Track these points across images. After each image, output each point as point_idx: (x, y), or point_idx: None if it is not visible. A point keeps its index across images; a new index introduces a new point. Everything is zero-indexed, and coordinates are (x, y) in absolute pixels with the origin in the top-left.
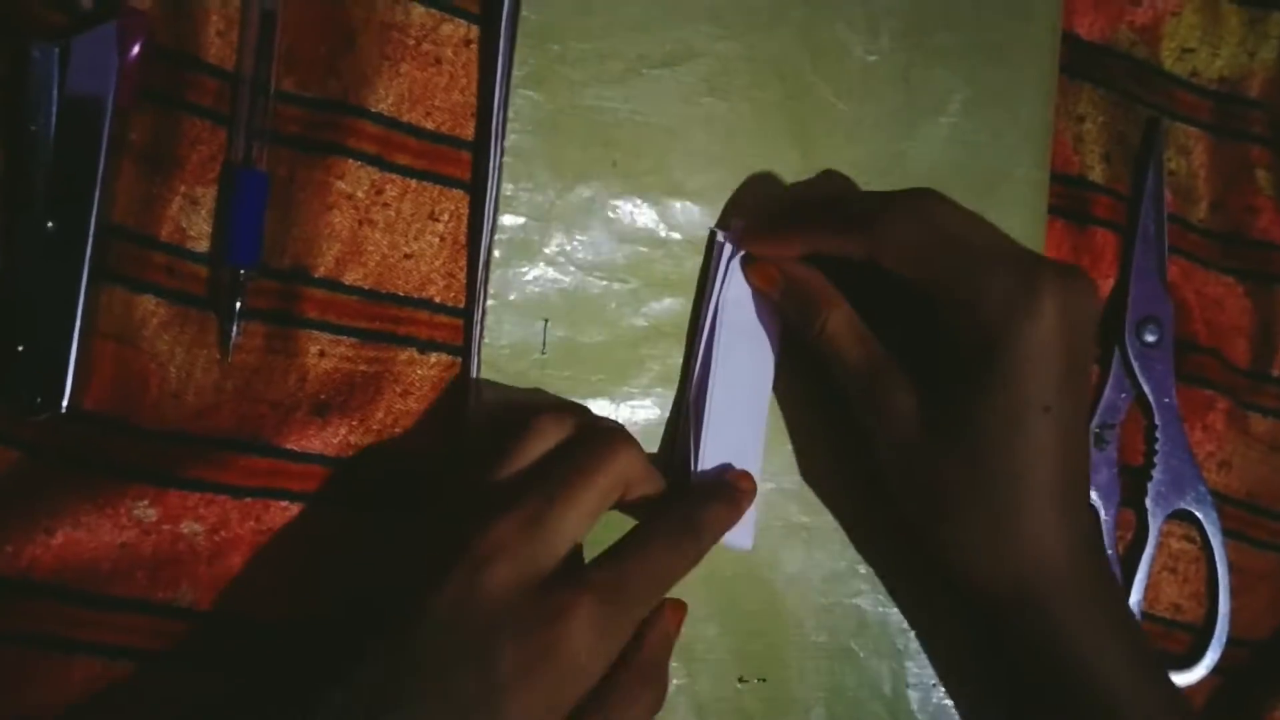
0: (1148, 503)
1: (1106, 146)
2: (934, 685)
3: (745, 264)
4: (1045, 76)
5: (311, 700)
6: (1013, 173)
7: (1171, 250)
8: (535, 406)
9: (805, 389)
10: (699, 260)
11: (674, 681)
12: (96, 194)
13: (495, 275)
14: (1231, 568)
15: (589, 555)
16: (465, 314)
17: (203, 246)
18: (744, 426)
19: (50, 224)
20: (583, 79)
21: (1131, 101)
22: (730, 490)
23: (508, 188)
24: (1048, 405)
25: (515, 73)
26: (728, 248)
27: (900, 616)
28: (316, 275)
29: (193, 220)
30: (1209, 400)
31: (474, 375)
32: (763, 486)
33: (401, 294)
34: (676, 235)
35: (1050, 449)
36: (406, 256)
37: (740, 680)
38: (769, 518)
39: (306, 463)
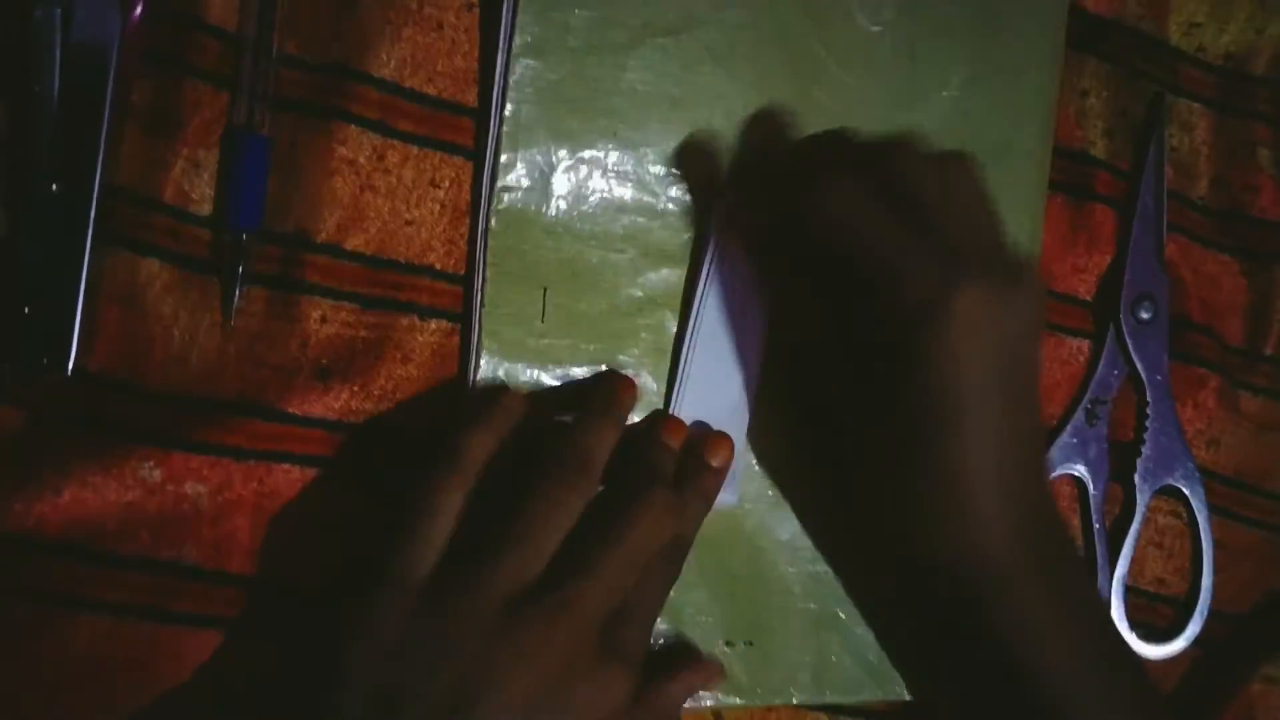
0: (1136, 478)
1: (1109, 122)
2: None
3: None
4: (1051, 51)
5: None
6: (1015, 146)
7: (1170, 228)
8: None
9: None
10: (696, 232)
11: (661, 642)
12: (100, 156)
13: (495, 244)
14: (1216, 544)
15: None
16: (465, 281)
17: (205, 210)
18: (726, 391)
19: (54, 186)
20: (584, 47)
21: (1136, 76)
22: (707, 485)
23: (507, 156)
24: (964, 409)
25: (516, 41)
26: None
27: None
28: (318, 241)
29: (195, 184)
30: (1201, 378)
31: (474, 343)
32: (753, 455)
33: (402, 260)
34: (674, 207)
35: (973, 448)
36: (407, 223)
37: (728, 643)
38: (761, 486)
39: (308, 427)
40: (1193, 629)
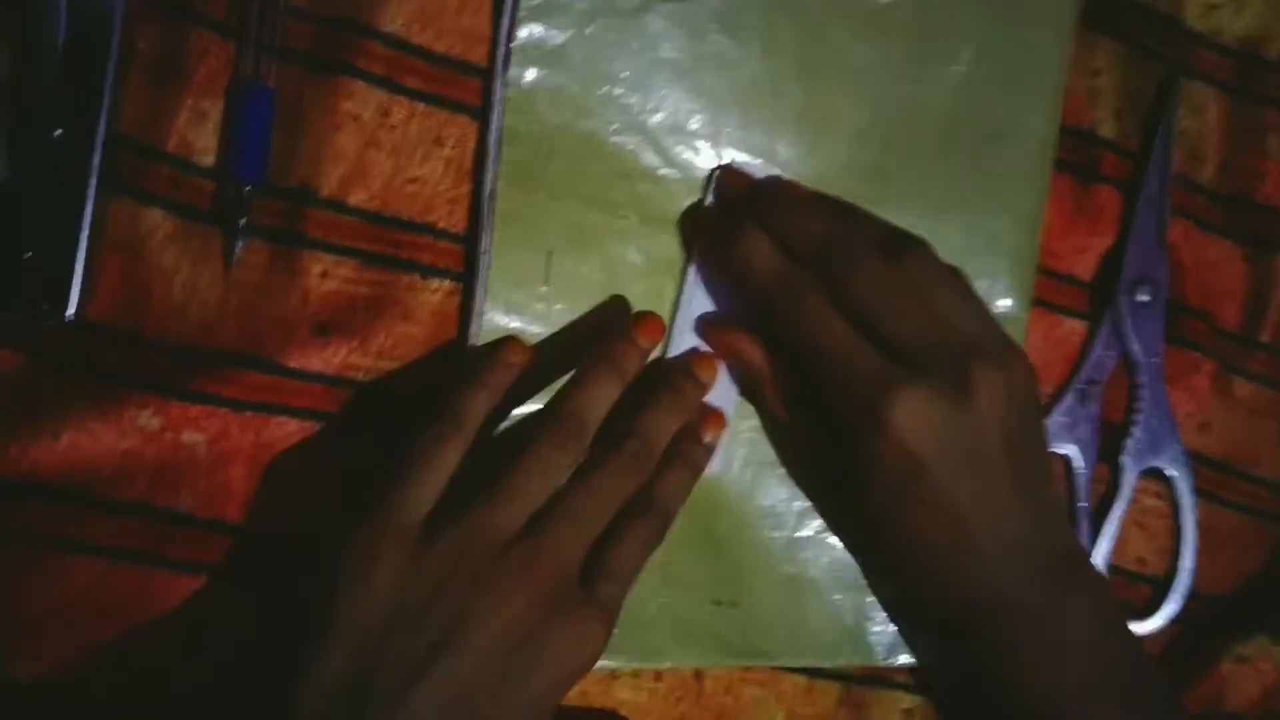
0: (1124, 459)
1: (1120, 103)
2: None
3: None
4: (1063, 28)
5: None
6: (1023, 123)
7: (1174, 211)
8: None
9: None
10: (698, 199)
11: (657, 600)
12: (105, 103)
13: (500, 206)
14: (1200, 526)
15: None
16: (468, 241)
17: (208, 161)
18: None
19: (58, 132)
20: (590, 11)
21: (1149, 57)
22: (696, 457)
23: (511, 119)
24: (922, 499)
25: (522, 3)
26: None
27: None
28: (321, 195)
29: (199, 134)
30: (1195, 363)
31: (478, 305)
32: (744, 424)
33: (405, 218)
34: (677, 174)
35: (946, 522)
36: (411, 181)
37: (715, 602)
38: (748, 454)
39: (306, 381)
40: (1170, 608)
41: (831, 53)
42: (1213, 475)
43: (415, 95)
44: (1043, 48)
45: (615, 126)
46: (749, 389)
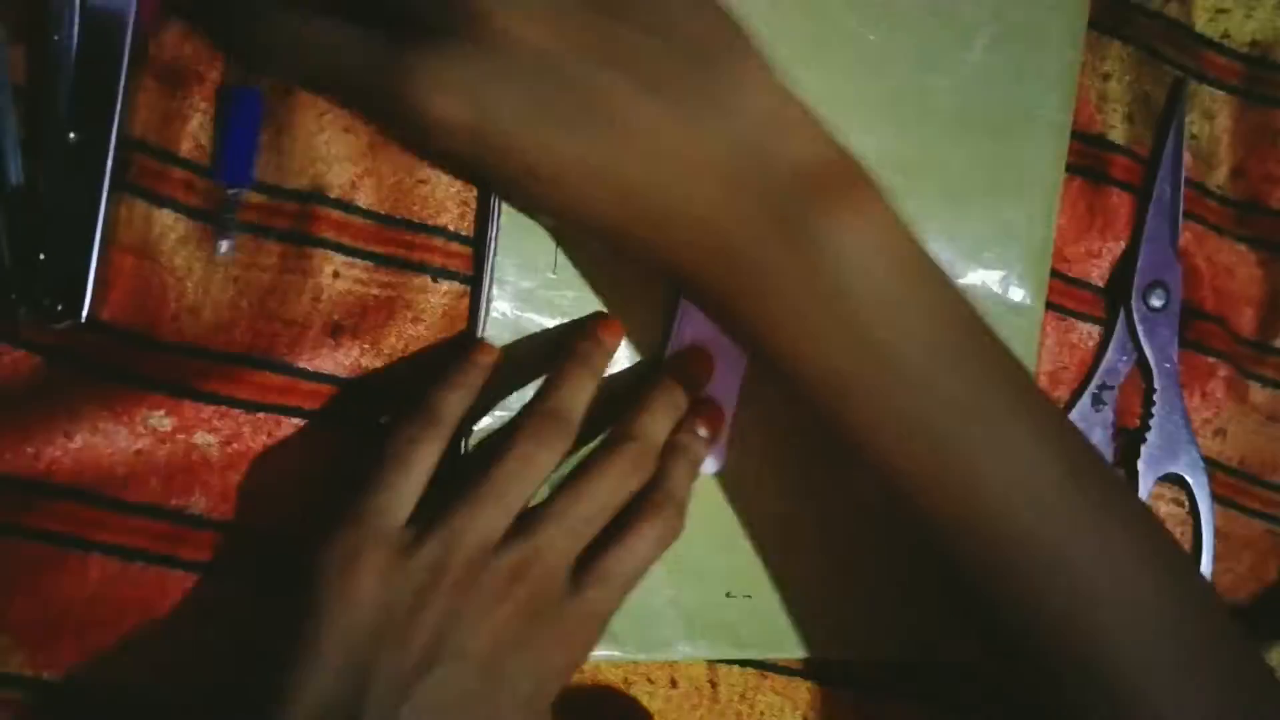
0: (1140, 464)
1: (1130, 106)
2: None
3: None
4: (1074, 18)
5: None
6: (1036, 114)
7: (1186, 216)
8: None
9: None
10: None
11: (666, 593)
12: (118, 107)
13: None
14: (1218, 533)
15: None
16: (477, 243)
17: None
18: (721, 346)
19: (72, 135)
20: None
21: (1159, 61)
22: (694, 450)
23: None
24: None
25: None
26: None
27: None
28: (332, 196)
29: (211, 138)
30: (1211, 367)
31: (485, 293)
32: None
33: (415, 220)
34: None
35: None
36: (421, 182)
37: (728, 595)
38: (763, 446)
39: (318, 382)
40: None
41: (845, 40)
42: (1230, 481)
43: None
44: (1055, 36)
45: None
46: None
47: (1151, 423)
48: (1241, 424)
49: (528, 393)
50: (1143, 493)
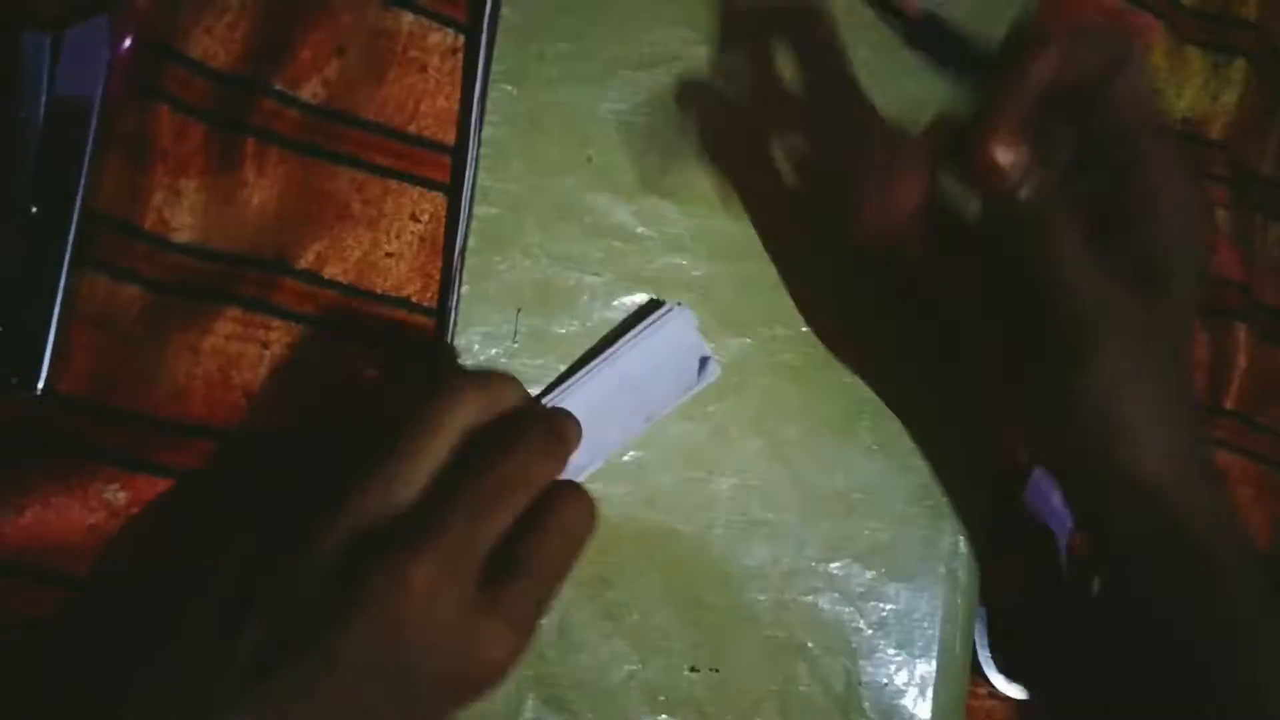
0: None
1: None
2: (885, 685)
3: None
4: None
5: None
6: None
7: None
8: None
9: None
10: (671, 257)
11: (625, 667)
12: (82, 182)
13: (471, 263)
14: None
15: None
16: (439, 313)
17: (183, 237)
18: (599, 430)
19: (35, 209)
20: (560, 77)
21: None
22: None
23: (485, 179)
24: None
25: (494, 68)
26: (682, 314)
27: (855, 615)
28: (298, 267)
29: (175, 211)
30: None
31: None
32: (725, 482)
33: (379, 291)
34: (650, 231)
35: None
36: (388, 255)
37: (692, 669)
38: (730, 512)
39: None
40: None
41: (795, 119)
42: None
43: (389, 173)
44: None
45: (588, 185)
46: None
47: None
48: None
49: None
50: None
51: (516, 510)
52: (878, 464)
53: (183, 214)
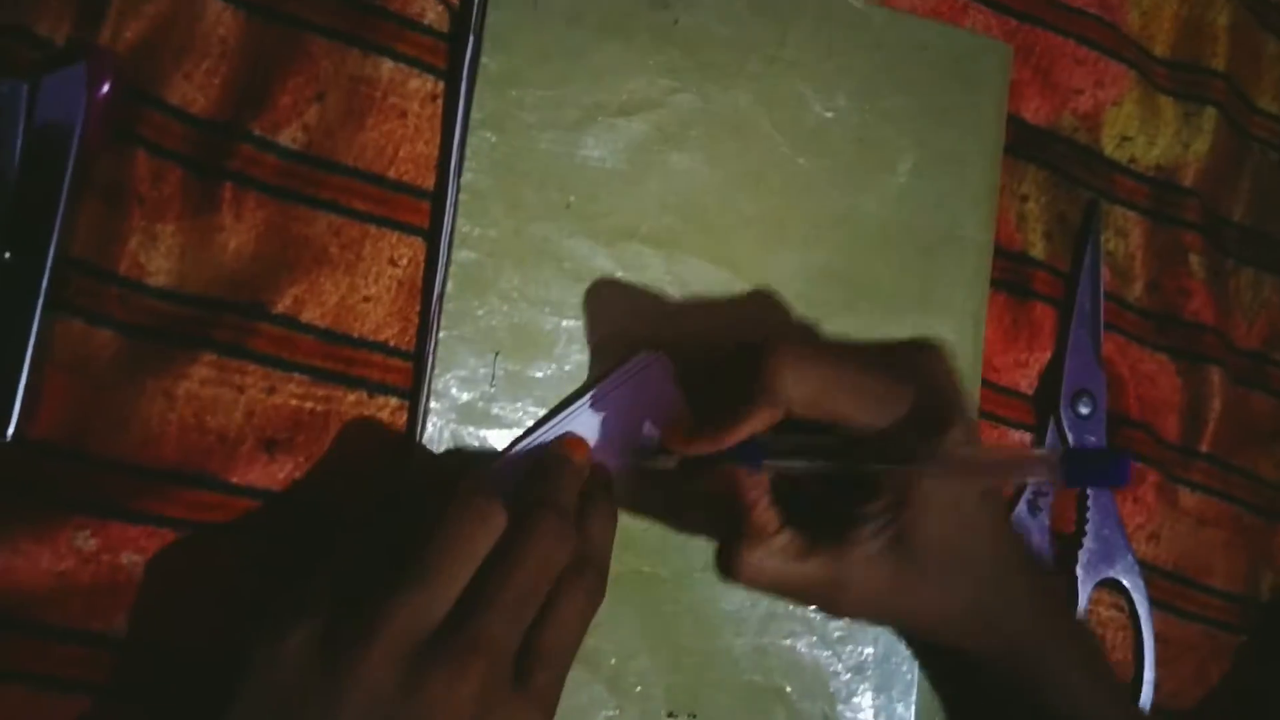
0: (1078, 570)
1: (1048, 225)
2: None
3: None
4: (992, 144)
5: None
6: (959, 234)
7: (1108, 327)
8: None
9: None
10: (648, 301)
11: (603, 713)
12: (56, 228)
13: (449, 308)
14: (1158, 637)
15: None
16: (416, 357)
17: (159, 281)
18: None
19: (7, 254)
20: (539, 123)
21: (1073, 183)
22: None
23: (463, 224)
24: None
25: (474, 115)
26: (659, 363)
27: (834, 659)
28: (275, 312)
29: (150, 256)
30: (1140, 473)
31: (422, 409)
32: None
33: (356, 336)
34: (628, 276)
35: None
36: (365, 299)
37: (670, 715)
38: (708, 555)
39: (251, 498)
40: None
41: (776, 164)
42: (1167, 585)
43: (367, 218)
44: (975, 160)
45: (566, 230)
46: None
47: (1087, 529)
48: (1174, 528)
49: None
50: (1081, 598)
51: (541, 602)
52: None
53: (159, 258)
